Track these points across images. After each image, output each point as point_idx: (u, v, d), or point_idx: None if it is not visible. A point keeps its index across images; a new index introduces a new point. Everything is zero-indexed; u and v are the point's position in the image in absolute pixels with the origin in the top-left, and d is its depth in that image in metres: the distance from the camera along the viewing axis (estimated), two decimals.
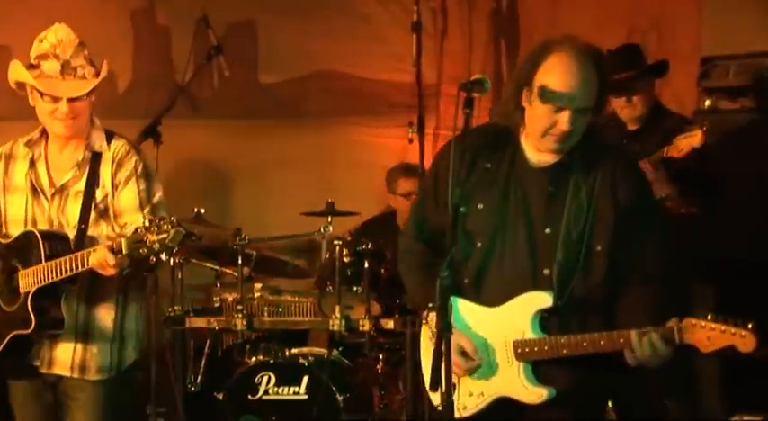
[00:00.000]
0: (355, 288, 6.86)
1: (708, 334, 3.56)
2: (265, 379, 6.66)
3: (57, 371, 4.47)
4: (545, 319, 3.90)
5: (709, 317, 3.57)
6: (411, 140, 6.91)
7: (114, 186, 4.47)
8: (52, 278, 4.23)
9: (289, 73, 8.40)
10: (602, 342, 3.78)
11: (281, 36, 8.32)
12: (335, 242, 6.83)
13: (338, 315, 6.79)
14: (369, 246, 6.74)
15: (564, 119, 3.83)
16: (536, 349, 3.88)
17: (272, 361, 6.75)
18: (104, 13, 8.41)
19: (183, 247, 3.99)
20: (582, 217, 3.89)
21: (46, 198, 4.50)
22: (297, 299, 7.16)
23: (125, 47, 8.50)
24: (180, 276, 7.25)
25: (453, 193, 3.75)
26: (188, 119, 8.07)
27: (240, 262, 7.01)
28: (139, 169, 4.52)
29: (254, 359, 6.85)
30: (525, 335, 3.88)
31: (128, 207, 4.37)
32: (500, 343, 3.93)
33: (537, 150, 3.99)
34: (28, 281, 4.34)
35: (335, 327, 6.81)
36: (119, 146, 4.58)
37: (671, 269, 3.89)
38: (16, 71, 4.50)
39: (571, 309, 3.87)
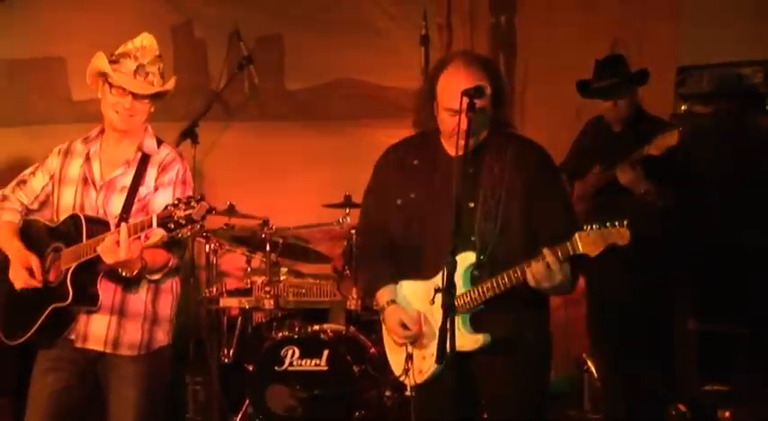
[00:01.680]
0: None
1: (593, 239, 3.79)
2: (290, 352, 6.66)
3: (91, 345, 4.44)
4: (473, 275, 4.04)
5: (592, 226, 3.79)
6: None
7: (155, 187, 4.48)
8: (88, 255, 4.23)
9: (312, 81, 8.40)
10: (515, 274, 3.92)
11: (305, 48, 8.32)
12: (352, 231, 6.85)
13: (355, 295, 6.81)
14: None
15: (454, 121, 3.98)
16: (467, 299, 4.01)
17: (296, 336, 6.74)
18: (148, 28, 8.30)
19: (206, 221, 3.98)
20: (497, 189, 4.07)
21: (95, 189, 4.51)
22: (318, 281, 7.19)
23: (166, 58, 8.27)
24: (215, 261, 7.30)
25: (458, 191, 3.89)
26: (222, 121, 8.10)
27: (268, 248, 7.05)
28: (180, 176, 4.52)
29: (280, 334, 6.84)
30: (459, 291, 3.93)
31: (161, 207, 4.38)
32: (440, 305, 3.94)
33: (451, 143, 4.11)
34: (69, 258, 4.33)
35: (352, 306, 6.86)
36: (167, 152, 4.59)
37: (574, 226, 3.94)
38: (99, 60, 4.49)
39: (494, 262, 4.01)
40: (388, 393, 6.64)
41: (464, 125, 3.90)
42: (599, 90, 6.24)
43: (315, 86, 8.41)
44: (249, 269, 7.54)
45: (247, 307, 7.31)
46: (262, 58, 7.97)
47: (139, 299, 4.49)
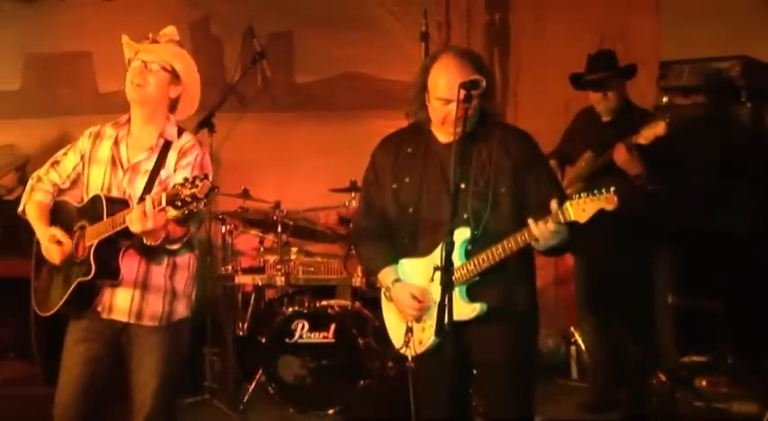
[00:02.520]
0: None
1: (581, 207, 3.76)
2: (300, 325, 6.70)
3: (116, 316, 4.46)
4: (468, 249, 4.04)
5: (580, 194, 3.77)
6: None
7: (175, 170, 4.49)
8: (108, 231, 4.26)
9: (320, 74, 8.43)
10: (509, 244, 3.93)
11: (314, 44, 8.34)
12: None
13: (359, 273, 6.82)
14: None
15: (452, 109, 4.00)
16: (464, 271, 4.00)
17: (305, 311, 6.77)
18: (168, 24, 8.40)
19: (210, 199, 4.01)
20: (486, 170, 4.07)
21: (123, 170, 4.53)
22: (326, 260, 7.20)
23: None
24: (230, 242, 7.33)
25: (455, 173, 3.88)
26: (237, 112, 8.09)
27: (279, 229, 7.06)
28: (198, 160, 4.52)
29: (290, 309, 6.87)
30: (455, 264, 3.93)
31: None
32: (438, 282, 3.93)
33: (441, 131, 4.17)
34: (92, 235, 4.35)
35: (357, 283, 6.87)
36: (187, 139, 4.59)
37: (562, 195, 3.97)
38: (126, 43, 4.59)
39: (487, 236, 4.01)
40: (390, 364, 6.65)
41: (460, 113, 3.91)
42: (591, 82, 6.26)
43: (322, 80, 8.43)
44: (262, 249, 7.56)
45: (260, 284, 7.35)
46: (273, 53, 7.98)
47: (160, 274, 4.51)
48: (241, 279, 7.35)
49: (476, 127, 4.13)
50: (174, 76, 4.58)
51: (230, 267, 7.34)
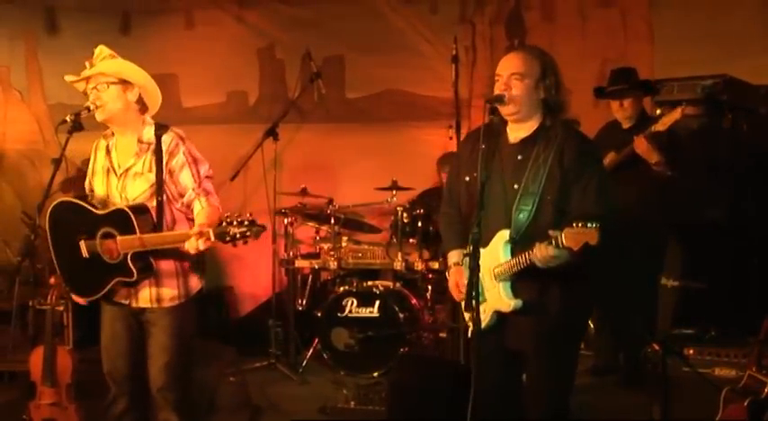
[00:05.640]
0: (411, 240, 6.88)
1: (574, 236, 3.54)
2: (349, 302, 6.71)
3: (141, 305, 4.34)
4: (512, 249, 3.87)
5: (578, 224, 3.55)
6: (451, 138, 6.91)
7: (170, 171, 4.29)
8: (149, 247, 4.12)
9: (367, 91, 8.41)
10: (526, 255, 3.75)
11: (361, 66, 8.34)
12: (398, 208, 6.86)
13: (400, 259, 6.82)
14: (421, 211, 6.81)
15: (499, 84, 3.92)
16: (504, 269, 3.85)
17: (354, 290, 6.80)
18: (240, 51, 8.50)
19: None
20: (539, 176, 3.84)
21: (116, 176, 4.34)
22: (371, 247, 7.19)
23: (254, 74, 8.57)
24: (291, 232, 7.35)
25: (480, 174, 3.78)
26: (297, 123, 8.11)
27: (332, 221, 7.07)
28: (188, 156, 4.30)
29: (341, 288, 6.88)
30: (500, 260, 3.86)
31: (187, 185, 4.24)
32: (488, 273, 3.88)
33: (511, 130, 3.97)
34: (126, 245, 4.15)
35: (398, 267, 6.86)
36: (169, 139, 4.33)
37: (604, 209, 3.77)
38: (72, 82, 4.38)
39: (528, 239, 3.79)
40: (425, 335, 6.67)
41: (485, 122, 3.84)
42: (611, 93, 6.27)
43: (369, 95, 8.41)
44: (318, 238, 7.57)
45: (316, 267, 7.38)
46: (327, 74, 7.97)
47: (171, 263, 4.35)
48: (300, 263, 7.37)
49: (541, 126, 3.96)
50: (125, 83, 4.32)
51: (291, 253, 7.36)
